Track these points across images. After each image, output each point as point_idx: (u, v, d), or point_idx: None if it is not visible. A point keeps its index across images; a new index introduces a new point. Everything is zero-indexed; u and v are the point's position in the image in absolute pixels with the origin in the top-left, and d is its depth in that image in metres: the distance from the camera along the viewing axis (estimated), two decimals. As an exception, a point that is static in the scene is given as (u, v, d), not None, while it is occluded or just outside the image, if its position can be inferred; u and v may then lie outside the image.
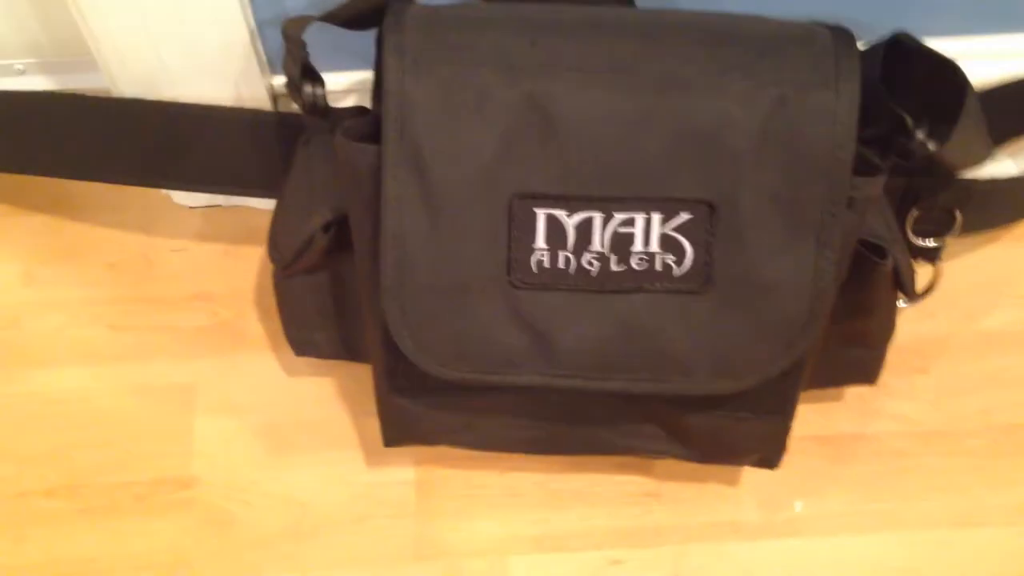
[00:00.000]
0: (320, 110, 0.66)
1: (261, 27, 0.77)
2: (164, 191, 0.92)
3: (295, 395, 0.86)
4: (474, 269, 0.62)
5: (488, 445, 0.75)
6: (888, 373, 0.84)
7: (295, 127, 0.77)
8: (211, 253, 0.91)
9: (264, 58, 0.79)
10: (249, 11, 0.75)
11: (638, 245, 0.62)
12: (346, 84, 0.82)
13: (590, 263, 0.62)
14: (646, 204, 0.61)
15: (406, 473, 0.83)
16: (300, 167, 0.73)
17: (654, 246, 0.62)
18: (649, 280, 0.63)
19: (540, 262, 0.62)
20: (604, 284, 0.63)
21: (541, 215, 0.62)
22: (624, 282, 0.63)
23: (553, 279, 0.63)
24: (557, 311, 0.63)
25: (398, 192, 0.61)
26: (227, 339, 0.88)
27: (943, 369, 0.86)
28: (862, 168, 0.62)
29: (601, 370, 0.64)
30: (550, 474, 0.82)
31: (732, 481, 0.82)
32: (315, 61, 0.67)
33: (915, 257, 0.79)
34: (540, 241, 0.62)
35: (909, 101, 0.67)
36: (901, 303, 0.81)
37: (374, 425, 0.78)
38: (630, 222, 0.62)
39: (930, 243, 0.78)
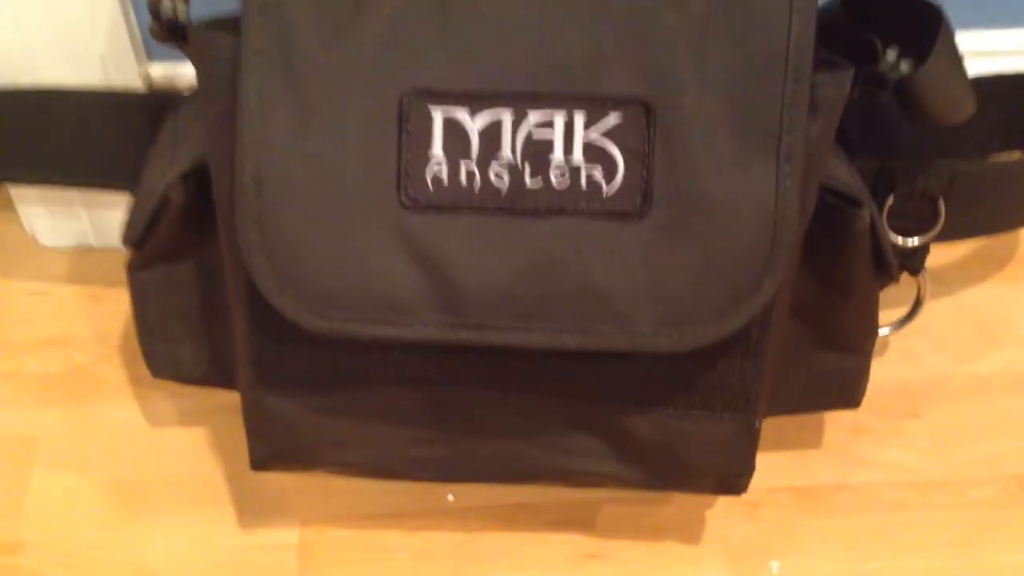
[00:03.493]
0: (179, 29, 0.55)
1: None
2: (28, 229, 0.80)
3: (159, 449, 0.70)
4: (355, 185, 0.50)
5: (379, 466, 0.60)
6: (873, 417, 0.71)
7: (169, 107, 0.66)
8: (75, 296, 0.78)
9: (140, 38, 0.69)
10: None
11: (558, 154, 0.50)
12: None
13: (499, 176, 0.50)
14: (567, 102, 0.50)
15: (288, 535, 0.66)
16: (166, 131, 0.62)
17: (577, 156, 0.50)
18: (573, 200, 0.50)
19: (437, 176, 0.50)
20: (516, 204, 0.50)
21: (438, 116, 0.50)
22: (542, 202, 0.50)
23: (453, 198, 0.50)
24: (459, 240, 0.50)
25: (259, 85, 0.49)
26: (82, 387, 0.73)
27: (938, 414, 0.72)
28: (823, 69, 0.52)
29: (514, 317, 0.51)
30: (470, 533, 0.66)
31: (693, 538, 0.67)
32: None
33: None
34: (437, 149, 0.50)
35: (876, 32, 0.57)
36: (886, 329, 0.70)
37: (253, 481, 0.65)
38: (547, 124, 0.50)
39: (911, 242, 0.66)
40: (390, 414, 0.57)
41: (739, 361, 0.55)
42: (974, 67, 0.71)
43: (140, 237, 0.58)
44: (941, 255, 0.78)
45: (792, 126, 0.50)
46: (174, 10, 0.55)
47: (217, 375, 0.64)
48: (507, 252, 0.50)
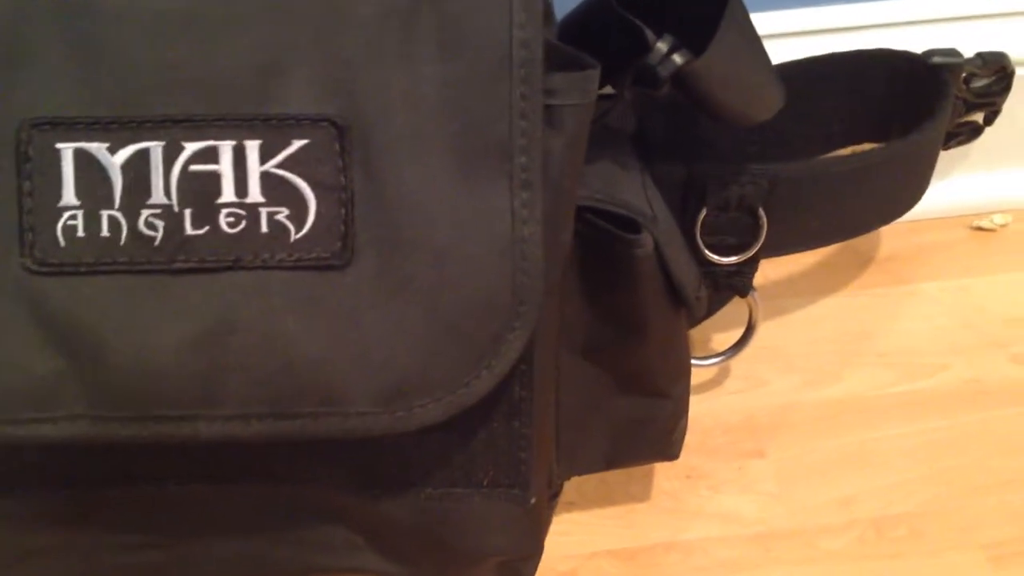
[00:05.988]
0: None
1: None
2: None
3: None
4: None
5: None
6: (710, 458, 0.61)
7: None
8: None
9: None
10: None
11: (228, 193, 0.39)
12: None
13: (151, 225, 0.39)
14: (235, 127, 0.39)
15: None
16: None
17: (254, 194, 0.39)
18: (252, 249, 0.40)
19: (70, 229, 0.39)
20: (177, 258, 0.39)
21: (67, 152, 0.39)
22: (210, 254, 0.40)
23: (94, 255, 0.39)
24: (104, 308, 0.39)
25: None
26: None
27: (785, 450, 0.63)
28: (566, 69, 0.41)
29: (187, 402, 0.40)
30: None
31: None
32: None
33: (718, 288, 0.58)
34: (69, 194, 0.39)
35: (654, 18, 0.47)
36: (716, 358, 0.60)
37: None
38: (211, 156, 0.39)
39: (730, 260, 0.57)
40: (79, 519, 0.46)
41: (503, 427, 0.45)
42: (807, 48, 0.62)
43: None
44: (787, 262, 0.69)
45: (526, 145, 0.40)
46: None
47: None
48: (169, 320, 0.39)
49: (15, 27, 0.39)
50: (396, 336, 0.40)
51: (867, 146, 0.64)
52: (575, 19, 0.49)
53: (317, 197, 0.39)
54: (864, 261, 0.72)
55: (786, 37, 0.64)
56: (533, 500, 0.47)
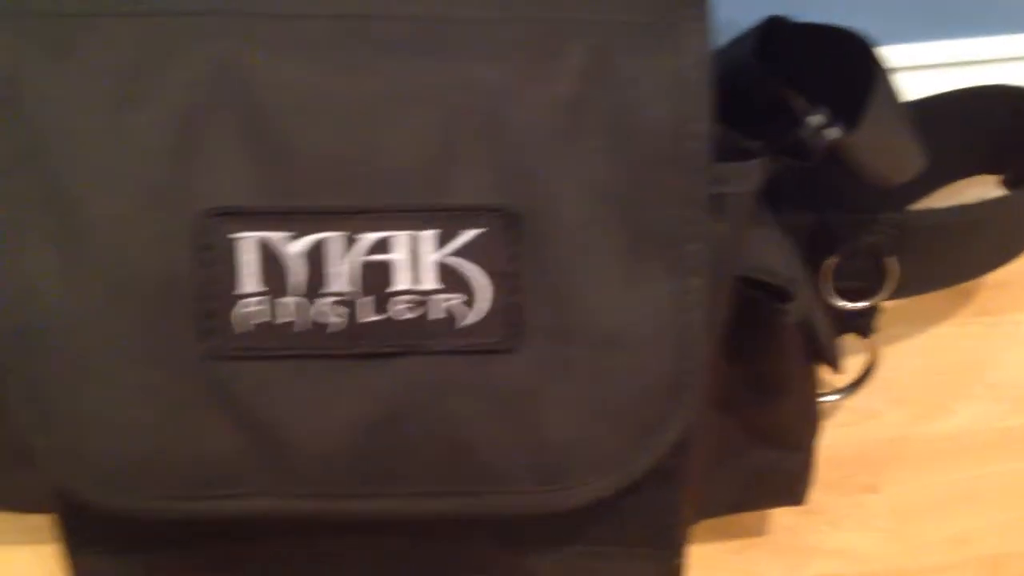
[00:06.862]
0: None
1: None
2: None
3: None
4: (146, 333, 0.40)
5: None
6: (826, 493, 0.62)
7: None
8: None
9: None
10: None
11: (403, 282, 0.40)
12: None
13: (328, 312, 0.40)
14: (409, 217, 0.40)
15: None
16: None
17: (428, 283, 0.40)
18: (425, 335, 0.41)
19: (250, 316, 0.40)
20: (355, 344, 0.41)
21: (247, 242, 0.40)
22: (386, 340, 0.41)
23: (273, 342, 0.40)
24: (285, 392, 0.41)
25: (15, 217, 0.39)
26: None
27: (899, 485, 0.63)
28: (729, 155, 0.42)
29: (363, 481, 0.41)
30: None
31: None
32: None
33: (841, 328, 0.58)
34: (248, 282, 0.40)
35: (800, 87, 0.47)
36: (833, 396, 0.61)
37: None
38: (386, 245, 0.40)
39: (857, 306, 0.57)
40: (230, 569, 0.47)
41: (654, 494, 0.46)
42: (932, 79, 0.62)
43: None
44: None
45: (693, 233, 0.40)
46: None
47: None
48: (348, 403, 0.41)
49: (187, 118, 0.40)
50: (560, 418, 0.41)
51: (984, 181, 0.64)
52: (719, 78, 0.49)
53: (489, 284, 0.40)
54: (972, 288, 0.71)
55: (912, 70, 0.63)
56: (677, 560, 0.48)
